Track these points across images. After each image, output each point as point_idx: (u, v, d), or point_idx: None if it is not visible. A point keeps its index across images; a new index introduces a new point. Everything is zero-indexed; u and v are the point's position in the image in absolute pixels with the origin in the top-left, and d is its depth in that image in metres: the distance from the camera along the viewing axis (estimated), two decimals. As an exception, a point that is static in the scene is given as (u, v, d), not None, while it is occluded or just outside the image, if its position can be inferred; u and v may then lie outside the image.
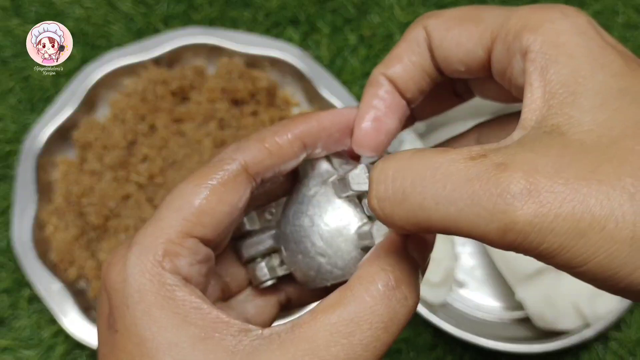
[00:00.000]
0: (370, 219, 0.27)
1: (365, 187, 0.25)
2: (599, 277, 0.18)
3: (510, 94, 0.25)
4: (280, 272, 0.29)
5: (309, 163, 0.29)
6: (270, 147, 0.27)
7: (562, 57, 0.22)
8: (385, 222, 0.22)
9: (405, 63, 0.28)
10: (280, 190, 0.30)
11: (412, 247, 0.24)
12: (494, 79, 0.26)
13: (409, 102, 0.28)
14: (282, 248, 0.29)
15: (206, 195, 0.25)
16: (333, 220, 0.27)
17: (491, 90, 0.29)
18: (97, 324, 0.25)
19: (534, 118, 0.21)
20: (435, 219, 0.20)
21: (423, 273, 0.25)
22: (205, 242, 0.25)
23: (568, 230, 0.18)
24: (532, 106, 0.22)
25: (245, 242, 0.30)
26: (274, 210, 0.30)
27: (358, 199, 0.27)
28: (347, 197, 0.27)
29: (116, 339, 0.23)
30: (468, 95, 0.31)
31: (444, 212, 0.19)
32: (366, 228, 0.26)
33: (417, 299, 0.24)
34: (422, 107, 0.30)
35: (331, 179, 0.27)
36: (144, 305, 0.23)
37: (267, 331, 0.23)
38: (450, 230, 0.20)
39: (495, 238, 0.19)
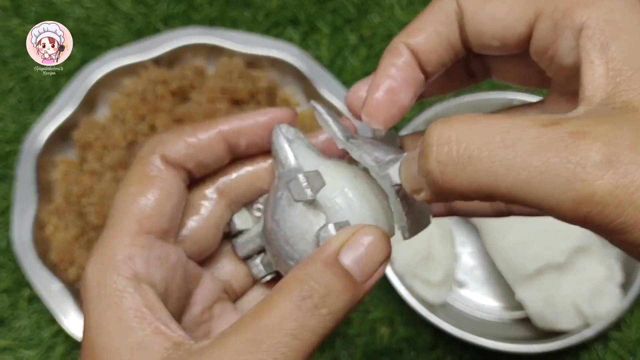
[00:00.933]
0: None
1: (305, 197, 0.25)
2: None
3: (530, 76, 0.25)
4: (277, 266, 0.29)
5: (276, 160, 0.28)
6: (188, 139, 0.27)
7: (620, 34, 0.21)
8: (440, 187, 0.20)
9: (429, 33, 0.26)
10: (266, 185, 0.30)
11: (350, 260, 0.23)
12: (521, 58, 0.25)
13: (427, 76, 0.27)
14: (265, 247, 0.29)
15: (142, 192, 0.26)
16: (295, 224, 0.26)
17: (511, 71, 0.28)
18: None
19: (599, 95, 0.21)
20: (503, 185, 0.19)
21: (369, 284, 0.24)
22: (161, 236, 0.26)
23: None
24: (595, 83, 0.21)
25: (237, 240, 0.30)
26: (261, 207, 0.30)
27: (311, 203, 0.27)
28: (303, 202, 0.26)
29: (82, 344, 0.25)
30: (483, 75, 0.29)
31: (514, 179, 0.18)
32: (324, 234, 0.25)
33: (338, 308, 0.23)
34: (431, 85, 0.28)
35: (289, 183, 0.26)
36: (97, 311, 0.24)
37: (196, 345, 0.23)
38: (517, 198, 0.19)
39: (568, 209, 0.18)
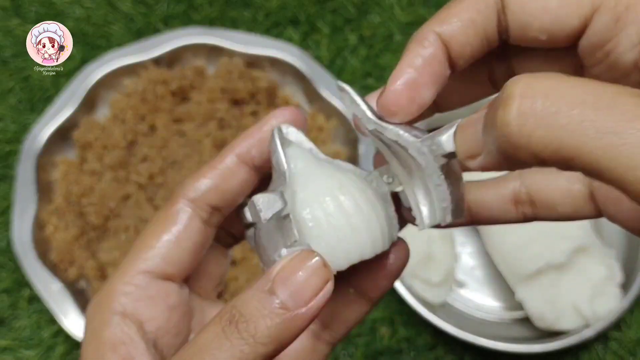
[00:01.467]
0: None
1: (259, 221, 0.25)
2: None
3: None
4: None
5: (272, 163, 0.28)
6: (207, 172, 0.28)
7: None
8: (515, 142, 0.18)
9: (465, 21, 0.24)
10: (237, 183, 0.30)
11: (281, 290, 0.23)
12: (558, 56, 0.24)
13: (454, 69, 0.25)
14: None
15: (153, 234, 0.27)
16: (271, 237, 0.26)
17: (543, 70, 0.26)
18: None
19: None
20: (587, 150, 0.17)
21: (308, 312, 0.23)
22: (163, 276, 0.27)
23: None
24: None
25: (247, 233, 0.30)
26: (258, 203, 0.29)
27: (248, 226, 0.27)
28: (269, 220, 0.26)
29: None
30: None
31: (600, 144, 0.17)
32: (277, 257, 0.25)
33: (264, 334, 0.22)
34: (449, 93, 0.26)
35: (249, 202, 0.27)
36: (85, 338, 0.26)
37: None
38: (597, 168, 0.17)
39: None
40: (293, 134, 0.28)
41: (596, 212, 0.27)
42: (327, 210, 0.26)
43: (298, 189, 0.26)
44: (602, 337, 0.62)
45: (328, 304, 0.24)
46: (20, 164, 0.63)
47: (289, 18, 0.72)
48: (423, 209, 0.26)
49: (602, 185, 0.22)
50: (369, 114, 0.25)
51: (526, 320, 0.61)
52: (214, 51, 0.68)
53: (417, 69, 0.24)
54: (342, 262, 0.26)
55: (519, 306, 0.61)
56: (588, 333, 0.57)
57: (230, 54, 0.68)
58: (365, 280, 0.29)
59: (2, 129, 0.68)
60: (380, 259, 0.29)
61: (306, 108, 0.69)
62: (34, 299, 0.62)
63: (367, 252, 0.26)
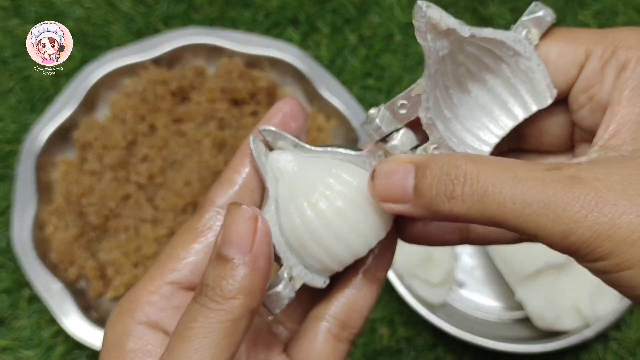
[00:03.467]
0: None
1: None
2: (636, 283, 0.21)
3: (562, 137, 0.27)
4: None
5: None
6: (233, 177, 0.28)
7: None
8: (461, 214, 0.23)
9: None
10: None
11: (225, 249, 0.24)
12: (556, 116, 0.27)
13: None
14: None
15: (183, 245, 0.27)
16: None
17: (546, 131, 0.28)
18: None
19: (613, 140, 0.23)
20: (509, 217, 0.22)
21: (253, 259, 0.24)
22: (190, 287, 0.27)
23: (621, 238, 0.21)
24: (612, 127, 0.23)
25: None
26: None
27: None
28: None
29: None
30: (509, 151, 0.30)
31: (520, 212, 0.22)
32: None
33: (230, 290, 0.24)
34: None
35: None
36: (106, 347, 0.26)
37: None
38: (520, 228, 0.22)
39: (558, 240, 0.22)
40: (271, 135, 0.28)
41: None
42: (310, 225, 0.26)
43: (280, 201, 0.27)
44: (602, 337, 0.62)
45: (341, 293, 0.27)
46: (20, 164, 0.63)
47: (289, 18, 0.72)
48: (512, 107, 0.27)
49: None
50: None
51: (526, 320, 0.61)
52: (214, 51, 0.68)
53: None
54: (335, 266, 0.27)
55: (519, 306, 0.61)
56: (588, 333, 0.57)
57: (230, 54, 0.68)
58: (369, 263, 0.30)
59: (2, 129, 0.68)
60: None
61: (306, 108, 0.69)
62: (34, 299, 0.62)
63: (360, 251, 0.27)
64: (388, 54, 0.71)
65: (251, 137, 0.28)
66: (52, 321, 0.61)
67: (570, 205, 0.21)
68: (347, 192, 0.26)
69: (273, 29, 0.72)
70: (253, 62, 0.68)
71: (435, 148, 0.27)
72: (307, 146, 0.28)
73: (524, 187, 0.22)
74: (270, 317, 0.28)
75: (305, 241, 0.26)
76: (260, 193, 0.28)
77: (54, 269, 0.60)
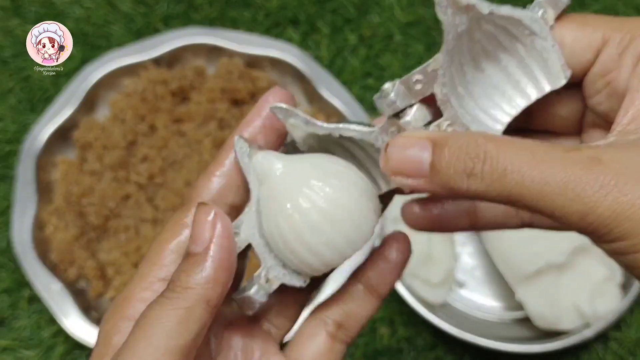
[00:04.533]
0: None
1: None
2: None
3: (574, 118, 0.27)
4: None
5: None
6: (216, 172, 0.28)
7: None
8: (480, 192, 0.23)
9: None
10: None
11: (191, 245, 0.25)
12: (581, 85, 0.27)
13: None
14: None
15: (168, 240, 0.27)
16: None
17: (555, 112, 0.29)
18: None
19: (632, 124, 0.24)
20: (527, 195, 0.22)
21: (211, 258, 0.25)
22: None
23: None
24: (630, 112, 0.24)
25: None
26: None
27: None
28: None
29: None
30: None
31: (538, 191, 0.22)
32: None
33: (194, 282, 0.25)
34: None
35: None
36: (96, 344, 0.26)
37: None
38: (537, 207, 0.22)
39: (577, 219, 0.22)
40: (282, 112, 0.28)
41: None
42: (294, 227, 0.26)
43: (261, 204, 0.27)
44: (602, 337, 0.62)
45: (341, 300, 0.29)
46: (20, 164, 0.63)
47: (289, 18, 0.72)
48: (525, 86, 0.27)
49: None
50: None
51: (526, 320, 0.61)
52: (214, 51, 0.68)
53: None
54: (321, 267, 0.27)
55: (519, 306, 0.61)
56: (588, 333, 0.57)
57: (230, 54, 0.68)
58: (372, 277, 0.30)
59: (2, 129, 0.68)
60: (380, 254, 0.30)
61: (306, 108, 0.69)
62: (34, 299, 0.62)
63: (345, 253, 0.27)
64: (388, 54, 0.71)
65: (235, 138, 0.27)
66: (52, 321, 0.61)
67: (589, 185, 0.21)
68: (332, 193, 0.26)
69: (273, 29, 0.72)
70: (253, 62, 0.68)
71: (449, 125, 0.26)
72: (319, 123, 0.27)
73: (543, 166, 0.22)
74: (250, 313, 0.28)
75: (289, 242, 0.26)
76: (246, 189, 0.28)
77: (54, 269, 0.60)
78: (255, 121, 0.28)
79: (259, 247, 0.27)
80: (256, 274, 0.27)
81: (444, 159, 0.23)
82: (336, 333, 0.29)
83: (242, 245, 0.27)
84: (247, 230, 0.27)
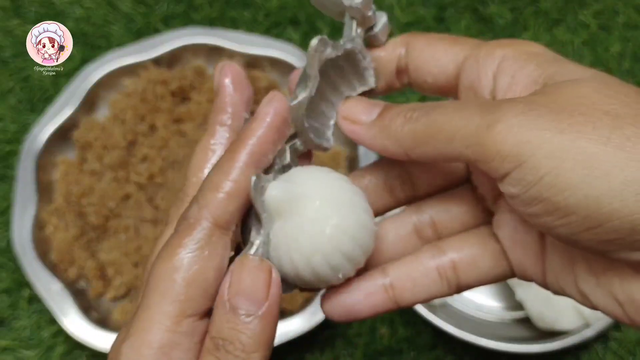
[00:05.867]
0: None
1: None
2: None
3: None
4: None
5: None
6: (228, 190, 0.25)
7: (533, 60, 0.27)
8: (412, 130, 0.27)
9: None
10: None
11: (238, 301, 0.24)
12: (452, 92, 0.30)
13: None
14: None
15: (188, 269, 0.24)
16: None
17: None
18: None
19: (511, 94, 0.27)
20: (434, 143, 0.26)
21: (268, 307, 0.25)
22: (202, 315, 0.25)
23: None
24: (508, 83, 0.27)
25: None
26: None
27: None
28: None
29: None
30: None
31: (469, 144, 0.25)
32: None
33: (249, 344, 0.24)
34: None
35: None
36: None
37: None
38: (471, 160, 0.25)
39: (462, 147, 0.25)
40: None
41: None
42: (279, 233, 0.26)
43: (272, 236, 0.26)
44: (602, 337, 0.62)
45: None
46: (20, 164, 0.63)
47: (289, 18, 0.72)
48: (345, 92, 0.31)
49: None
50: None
51: (526, 320, 0.61)
52: (214, 51, 0.68)
53: None
54: (333, 278, 0.27)
55: (519, 306, 0.61)
56: (588, 333, 0.57)
57: (230, 54, 0.68)
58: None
59: (2, 129, 0.68)
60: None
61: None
62: (34, 299, 0.62)
63: (348, 274, 0.28)
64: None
65: (253, 178, 0.25)
66: (52, 321, 0.61)
67: (479, 125, 0.24)
68: (348, 228, 0.27)
69: (273, 29, 0.72)
70: (253, 62, 0.68)
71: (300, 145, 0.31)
72: (340, 42, 0.29)
73: (464, 112, 0.25)
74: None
75: (301, 273, 0.26)
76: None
77: (54, 269, 0.60)
78: (259, 133, 0.27)
79: None
80: None
81: (389, 111, 0.28)
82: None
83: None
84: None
